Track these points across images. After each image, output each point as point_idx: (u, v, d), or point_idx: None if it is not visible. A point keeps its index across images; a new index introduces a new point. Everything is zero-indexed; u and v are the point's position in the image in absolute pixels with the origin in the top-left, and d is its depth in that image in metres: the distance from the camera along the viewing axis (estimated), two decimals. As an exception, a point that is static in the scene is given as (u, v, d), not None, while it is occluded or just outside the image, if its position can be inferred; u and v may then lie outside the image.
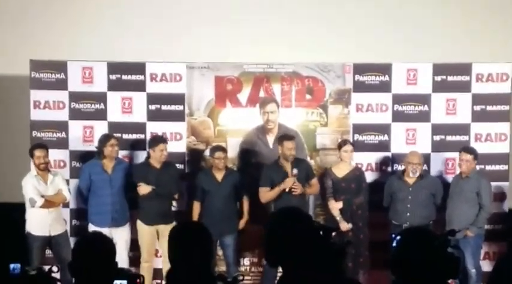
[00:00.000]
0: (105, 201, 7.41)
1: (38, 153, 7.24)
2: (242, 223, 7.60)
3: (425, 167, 7.76)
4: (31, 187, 7.22)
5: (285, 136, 7.54)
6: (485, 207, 7.29)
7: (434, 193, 7.44)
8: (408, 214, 7.35)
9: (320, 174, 7.75)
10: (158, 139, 7.54)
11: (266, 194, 7.38)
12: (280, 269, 3.07)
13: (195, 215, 7.53)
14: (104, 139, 7.46)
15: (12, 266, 3.77)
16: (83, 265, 3.42)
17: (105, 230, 7.13)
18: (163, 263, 7.39)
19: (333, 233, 3.21)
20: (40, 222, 7.26)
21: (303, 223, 2.98)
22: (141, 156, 7.86)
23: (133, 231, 7.56)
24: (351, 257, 7.22)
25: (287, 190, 7.23)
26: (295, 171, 7.27)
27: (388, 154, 7.94)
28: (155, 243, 7.59)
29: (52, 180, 7.34)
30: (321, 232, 3.06)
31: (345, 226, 7.28)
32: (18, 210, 7.49)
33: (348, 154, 7.46)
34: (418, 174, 7.37)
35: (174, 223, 7.33)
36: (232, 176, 7.55)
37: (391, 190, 7.53)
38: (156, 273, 7.66)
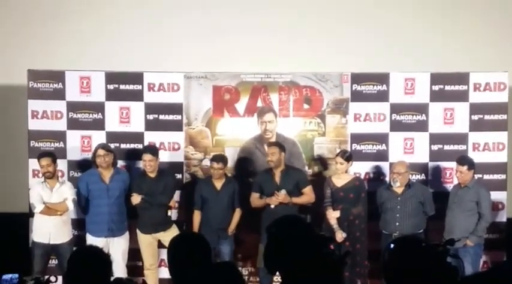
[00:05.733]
0: (102, 210, 7.38)
1: (42, 161, 7.24)
2: (229, 231, 7.52)
3: (423, 176, 7.83)
4: (35, 192, 7.25)
5: (269, 142, 7.72)
6: (484, 216, 7.28)
7: (423, 202, 7.41)
8: (397, 223, 7.33)
9: (318, 183, 7.71)
10: (142, 150, 7.61)
11: (254, 200, 7.51)
12: (275, 277, 3.06)
13: (196, 224, 7.53)
14: (94, 150, 7.48)
15: (8, 276, 3.70)
16: (77, 277, 3.40)
17: (102, 240, 7.15)
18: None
19: (331, 246, 3.20)
20: (40, 228, 7.25)
21: (303, 231, 2.97)
22: (138, 166, 7.84)
23: (134, 241, 7.55)
24: (347, 267, 7.19)
25: (272, 206, 7.29)
26: (283, 191, 7.29)
27: (386, 163, 7.93)
28: (156, 251, 7.60)
29: (58, 188, 7.32)
30: (321, 241, 3.05)
31: (340, 235, 7.26)
32: (16, 220, 7.47)
33: (340, 167, 7.43)
34: (398, 184, 7.34)
35: (172, 228, 7.41)
36: (231, 185, 7.55)
37: (380, 201, 7.52)
38: (162, 283, 7.63)
